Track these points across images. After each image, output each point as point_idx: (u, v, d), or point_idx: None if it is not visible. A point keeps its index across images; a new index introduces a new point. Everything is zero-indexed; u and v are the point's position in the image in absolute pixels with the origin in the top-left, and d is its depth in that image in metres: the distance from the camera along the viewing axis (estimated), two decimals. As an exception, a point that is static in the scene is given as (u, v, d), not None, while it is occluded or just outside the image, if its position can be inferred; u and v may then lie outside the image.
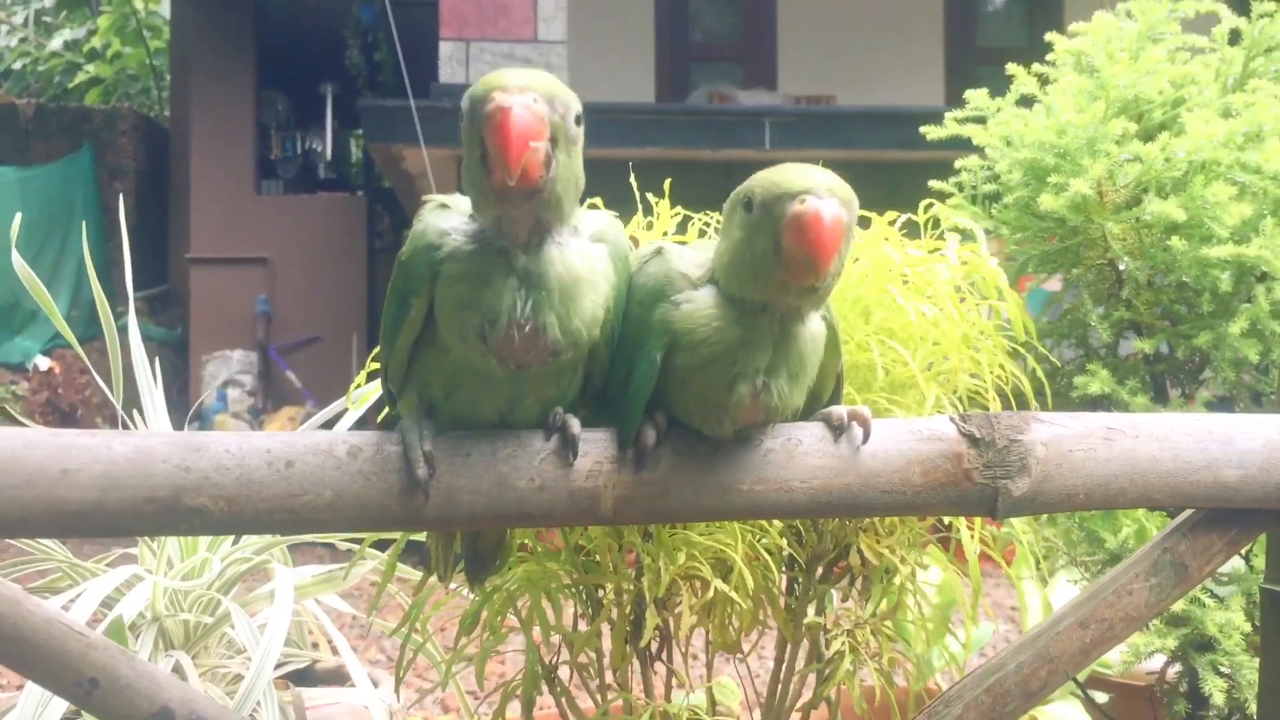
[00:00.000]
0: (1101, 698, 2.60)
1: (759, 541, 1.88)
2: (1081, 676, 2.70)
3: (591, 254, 1.37)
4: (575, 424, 1.41)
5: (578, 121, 1.31)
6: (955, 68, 9.55)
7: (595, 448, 1.42)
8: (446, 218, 1.38)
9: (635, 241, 2.01)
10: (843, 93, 8.84)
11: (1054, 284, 2.78)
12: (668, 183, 2.08)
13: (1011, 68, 2.30)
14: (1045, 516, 2.84)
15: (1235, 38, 2.29)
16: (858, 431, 1.45)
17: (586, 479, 1.41)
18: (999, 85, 2.40)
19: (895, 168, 6.63)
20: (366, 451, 1.38)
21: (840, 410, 1.47)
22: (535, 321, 1.31)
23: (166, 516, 1.31)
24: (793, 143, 7.78)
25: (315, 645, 3.05)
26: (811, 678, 2.05)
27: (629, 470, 1.42)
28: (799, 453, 1.45)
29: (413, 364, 1.45)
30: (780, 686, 2.04)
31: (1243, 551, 2.18)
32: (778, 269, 1.31)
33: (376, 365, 1.84)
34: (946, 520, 1.98)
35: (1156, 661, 2.19)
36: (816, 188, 1.29)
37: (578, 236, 1.36)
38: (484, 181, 1.27)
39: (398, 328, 1.41)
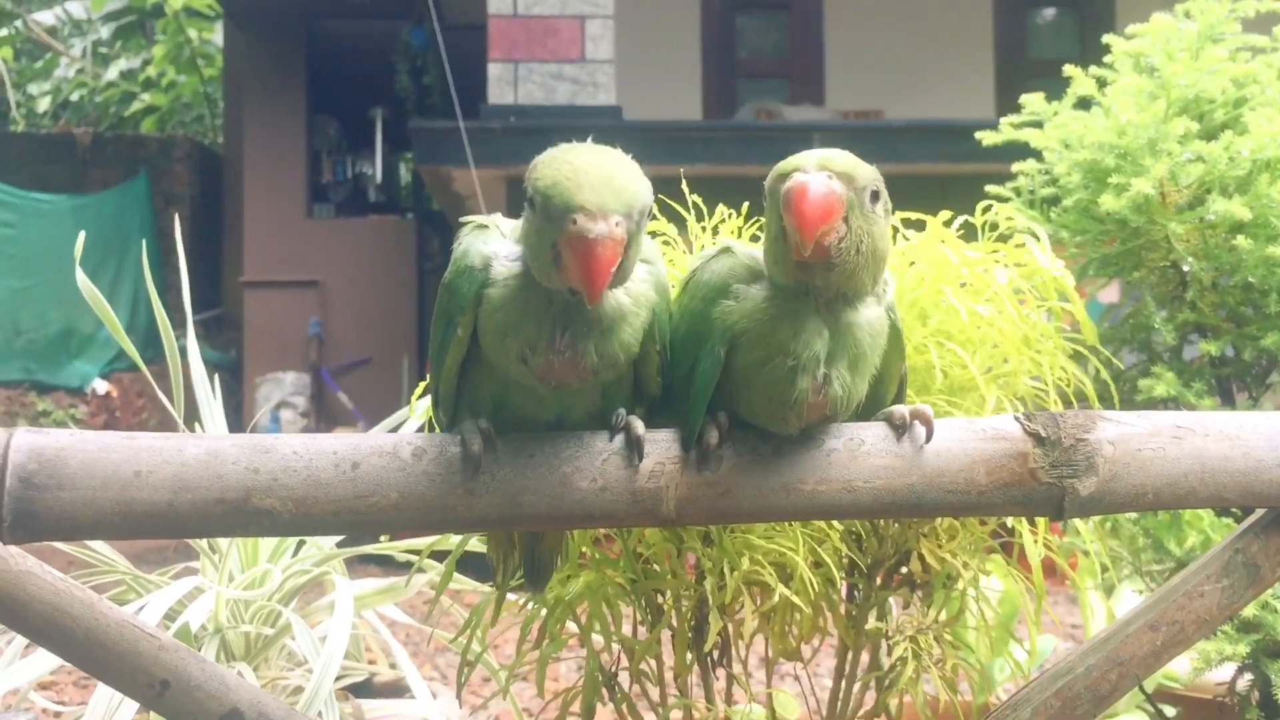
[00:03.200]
0: (1170, 711, 2.55)
1: (820, 547, 1.86)
2: (1149, 688, 2.65)
3: (635, 276, 1.38)
4: (639, 425, 1.41)
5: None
6: (1006, 80, 9.41)
7: (657, 448, 1.42)
8: (487, 240, 1.40)
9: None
10: (892, 107, 8.75)
11: (1109, 294, 2.74)
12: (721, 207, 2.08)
13: (1069, 69, 2.29)
14: (1109, 525, 2.81)
15: (1297, 37, 2.27)
16: (920, 430, 1.44)
17: (649, 480, 1.41)
18: (1051, 96, 2.39)
19: (945, 181, 6.57)
20: (430, 453, 1.39)
21: (902, 409, 1.46)
22: (574, 348, 1.34)
23: (236, 517, 1.33)
24: (841, 158, 7.73)
25: (373, 661, 3.06)
26: (871, 688, 2.03)
27: (691, 471, 1.41)
28: (862, 452, 1.44)
29: (462, 381, 1.46)
30: (841, 695, 2.03)
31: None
32: (789, 248, 1.32)
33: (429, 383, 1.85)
34: (1009, 525, 1.95)
35: (1223, 673, 2.15)
36: (804, 165, 1.31)
37: None
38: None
39: (445, 348, 1.43)
